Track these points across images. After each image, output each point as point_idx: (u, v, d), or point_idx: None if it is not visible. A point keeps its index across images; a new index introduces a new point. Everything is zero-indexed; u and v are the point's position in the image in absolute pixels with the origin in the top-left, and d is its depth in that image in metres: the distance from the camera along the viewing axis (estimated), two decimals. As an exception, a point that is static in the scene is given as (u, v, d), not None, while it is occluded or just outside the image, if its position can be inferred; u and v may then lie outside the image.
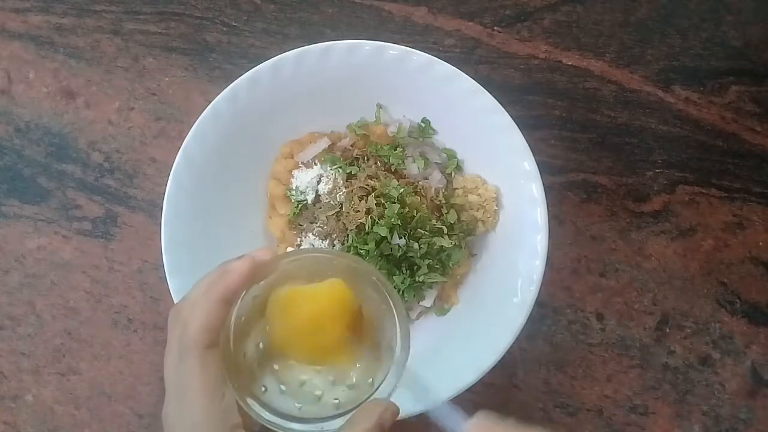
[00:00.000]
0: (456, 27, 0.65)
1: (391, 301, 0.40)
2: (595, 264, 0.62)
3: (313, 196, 0.57)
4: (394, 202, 0.53)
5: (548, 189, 0.53)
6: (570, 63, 0.64)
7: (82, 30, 0.65)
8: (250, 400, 0.38)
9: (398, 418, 0.38)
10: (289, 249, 0.57)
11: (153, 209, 0.62)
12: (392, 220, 0.53)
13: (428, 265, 0.54)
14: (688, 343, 0.61)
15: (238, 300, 0.38)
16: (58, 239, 0.62)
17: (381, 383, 0.39)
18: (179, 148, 0.54)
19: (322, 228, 0.55)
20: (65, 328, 0.61)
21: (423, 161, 0.58)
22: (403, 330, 0.40)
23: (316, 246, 0.55)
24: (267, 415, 0.38)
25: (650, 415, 0.60)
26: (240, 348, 0.38)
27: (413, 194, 0.55)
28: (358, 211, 0.54)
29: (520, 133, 0.54)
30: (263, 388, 0.38)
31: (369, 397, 0.39)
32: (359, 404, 0.39)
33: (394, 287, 0.54)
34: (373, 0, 0.65)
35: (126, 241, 0.62)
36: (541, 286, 0.52)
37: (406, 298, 0.55)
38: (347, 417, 0.38)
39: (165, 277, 0.52)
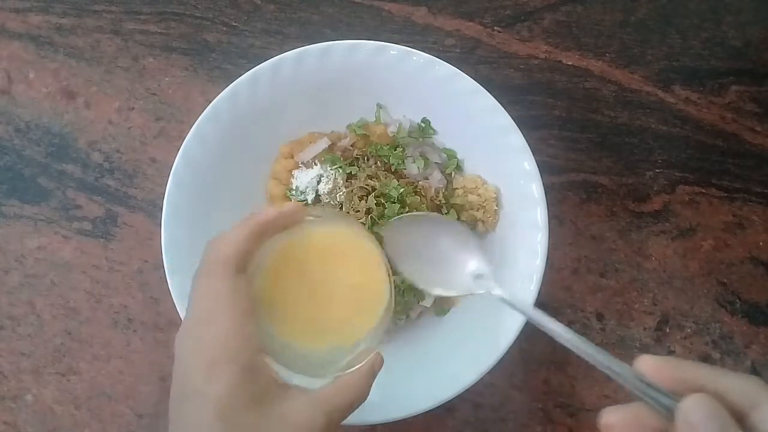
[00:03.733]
0: (456, 27, 0.65)
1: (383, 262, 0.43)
2: (595, 264, 0.62)
3: (313, 196, 0.56)
4: (394, 202, 0.53)
5: (548, 189, 0.53)
6: (570, 63, 0.64)
7: (82, 30, 0.65)
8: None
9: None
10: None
11: (153, 209, 0.62)
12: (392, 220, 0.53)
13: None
14: (688, 343, 0.61)
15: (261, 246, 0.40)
16: (58, 239, 0.62)
17: (368, 335, 0.42)
18: (179, 148, 0.54)
19: (322, 228, 0.55)
20: (65, 328, 0.61)
21: (423, 161, 0.58)
22: (390, 288, 0.43)
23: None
24: (272, 363, 0.39)
25: (650, 415, 0.60)
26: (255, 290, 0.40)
27: (413, 194, 0.55)
28: (358, 211, 0.54)
29: (520, 133, 0.54)
30: (270, 337, 0.40)
31: (358, 349, 0.41)
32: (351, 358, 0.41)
33: (394, 287, 0.54)
34: (373, 0, 0.65)
35: (126, 241, 0.62)
36: (541, 286, 0.52)
37: (405, 298, 0.55)
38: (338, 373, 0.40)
39: (165, 277, 0.52)
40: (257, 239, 0.39)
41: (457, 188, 0.58)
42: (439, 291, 0.48)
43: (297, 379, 0.39)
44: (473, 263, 0.46)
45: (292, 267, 0.42)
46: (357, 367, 0.40)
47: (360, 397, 0.39)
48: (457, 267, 0.47)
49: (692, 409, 0.30)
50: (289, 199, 0.57)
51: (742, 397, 0.31)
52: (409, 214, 0.51)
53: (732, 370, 0.60)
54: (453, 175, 0.59)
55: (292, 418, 0.36)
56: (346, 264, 0.43)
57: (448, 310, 0.57)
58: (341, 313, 0.42)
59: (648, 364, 0.33)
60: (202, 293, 0.38)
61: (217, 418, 0.34)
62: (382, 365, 0.41)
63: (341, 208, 0.55)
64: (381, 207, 0.54)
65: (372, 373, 0.40)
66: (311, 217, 0.43)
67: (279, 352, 0.40)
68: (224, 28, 0.65)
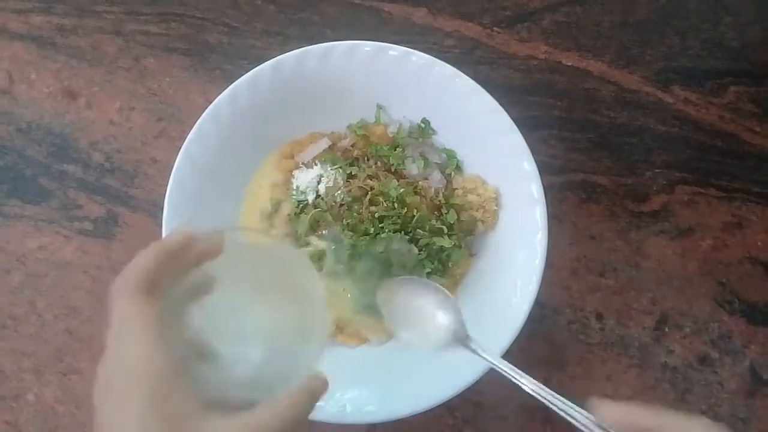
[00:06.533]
0: (456, 28, 0.65)
1: (314, 283, 0.40)
2: (594, 264, 0.62)
3: (314, 196, 0.57)
4: (394, 202, 0.54)
5: (548, 189, 0.53)
6: (569, 63, 0.65)
7: (84, 30, 0.65)
8: None
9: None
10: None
11: (154, 209, 0.62)
12: (392, 220, 0.53)
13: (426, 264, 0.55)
14: (687, 342, 0.61)
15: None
16: (59, 239, 0.62)
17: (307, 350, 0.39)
18: (180, 148, 0.54)
19: (322, 228, 0.56)
20: (66, 327, 0.61)
21: (423, 161, 0.58)
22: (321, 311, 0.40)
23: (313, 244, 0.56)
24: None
25: (649, 415, 0.60)
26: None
27: (413, 194, 0.56)
28: (359, 213, 0.54)
29: (520, 133, 0.54)
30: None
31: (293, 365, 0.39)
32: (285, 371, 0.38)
33: None
34: (373, 1, 0.65)
35: (127, 240, 0.62)
36: (540, 286, 0.52)
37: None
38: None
39: (166, 276, 0.52)
40: (166, 258, 0.37)
41: (456, 188, 0.58)
42: (420, 344, 0.51)
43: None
44: (449, 322, 0.49)
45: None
46: (296, 386, 0.36)
47: (297, 420, 0.34)
48: (436, 325, 0.50)
49: None
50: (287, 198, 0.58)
51: None
52: (401, 277, 0.53)
53: (731, 369, 0.60)
54: (453, 175, 0.59)
55: None
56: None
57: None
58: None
59: (603, 411, 0.37)
60: (114, 319, 0.35)
61: None
62: (325, 387, 0.37)
63: (341, 208, 0.55)
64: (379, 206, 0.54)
65: (313, 395, 0.36)
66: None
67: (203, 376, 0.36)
68: (225, 29, 0.65)
